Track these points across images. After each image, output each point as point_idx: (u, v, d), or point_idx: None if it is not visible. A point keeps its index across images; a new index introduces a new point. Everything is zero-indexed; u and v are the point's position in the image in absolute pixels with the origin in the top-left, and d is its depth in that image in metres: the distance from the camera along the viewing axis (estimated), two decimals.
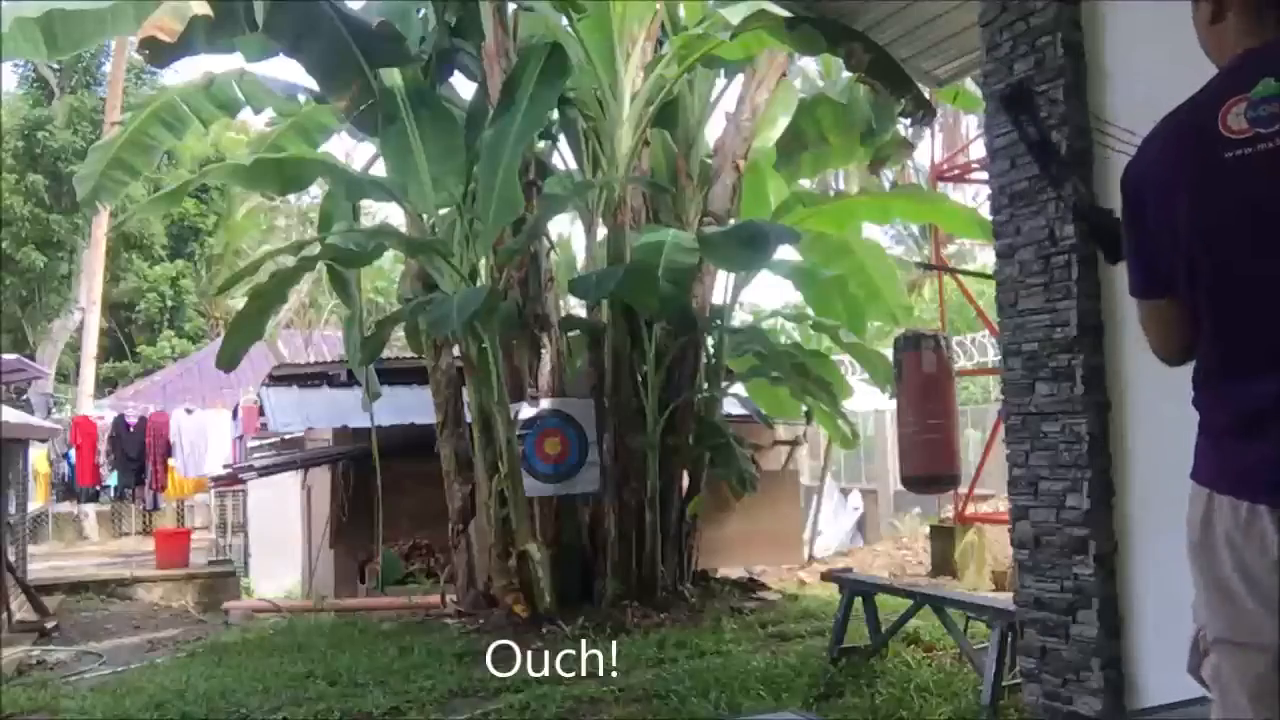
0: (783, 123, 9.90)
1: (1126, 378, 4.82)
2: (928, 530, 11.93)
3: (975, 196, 16.15)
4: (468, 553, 9.82)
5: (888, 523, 15.70)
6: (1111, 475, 4.81)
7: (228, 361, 9.38)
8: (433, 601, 10.18)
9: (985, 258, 21.11)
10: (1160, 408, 4.63)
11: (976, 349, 15.08)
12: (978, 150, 12.79)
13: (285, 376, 13.59)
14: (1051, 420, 5.02)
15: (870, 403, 13.94)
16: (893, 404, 12.37)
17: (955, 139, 16.53)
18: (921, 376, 7.16)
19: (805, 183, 11.60)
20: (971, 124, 17.77)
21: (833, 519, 16.07)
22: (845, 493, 17.28)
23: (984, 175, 11.08)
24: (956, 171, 11.84)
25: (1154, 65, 4.77)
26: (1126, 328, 4.82)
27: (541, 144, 10.40)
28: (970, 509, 11.18)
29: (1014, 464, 5.27)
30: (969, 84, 8.94)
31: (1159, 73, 4.80)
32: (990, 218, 5.50)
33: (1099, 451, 4.83)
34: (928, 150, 13.40)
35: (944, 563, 10.59)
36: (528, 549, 8.84)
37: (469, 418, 9.76)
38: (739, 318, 12.21)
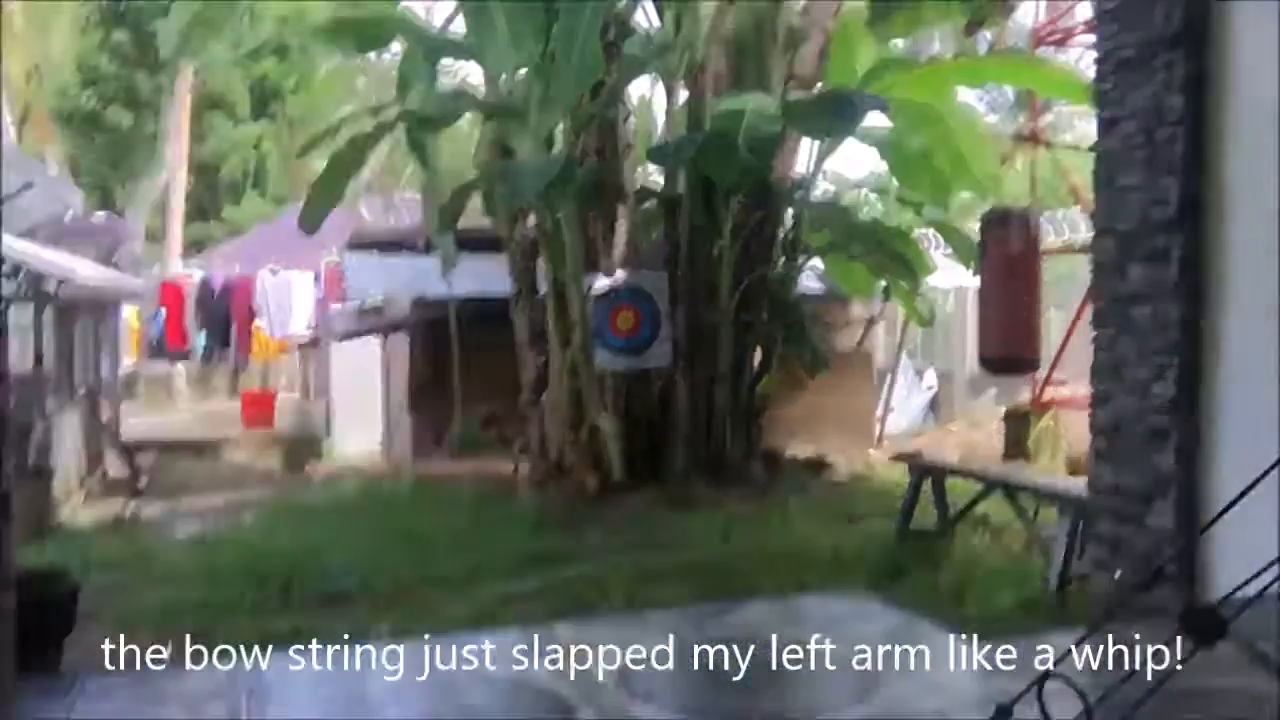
0: None
1: (1225, 263, 4.57)
2: (1002, 413, 11.72)
3: (1079, 61, 15.25)
4: (540, 424, 9.92)
5: (962, 404, 15.48)
6: (1202, 364, 4.62)
7: (310, 224, 9.43)
8: (506, 469, 10.37)
9: (1083, 129, 20.11)
10: (1258, 297, 4.40)
11: (1068, 225, 14.49)
12: (1083, 13, 12.01)
13: (366, 243, 13.70)
14: (1142, 304, 4.81)
15: (952, 279, 13.55)
16: (975, 281, 12.04)
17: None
18: (1007, 255, 6.91)
19: (897, 44, 11.03)
20: None
21: (906, 398, 15.87)
22: (920, 372, 17.01)
23: (1089, 39, 10.48)
24: (1059, 35, 11.13)
25: None
26: (1230, 209, 4.56)
27: (623, 2, 10.02)
28: (1048, 393, 10.90)
29: (1099, 348, 5.10)
30: None
31: None
32: (1094, 85, 5.19)
33: (1190, 339, 4.63)
34: (1029, 12, 12.61)
35: (1017, 447, 10.39)
36: (599, 422, 8.91)
37: (544, 289, 9.75)
38: (820, 188, 11.87)
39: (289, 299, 16.14)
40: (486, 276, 11.57)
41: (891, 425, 13.56)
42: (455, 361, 10.50)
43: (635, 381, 9.46)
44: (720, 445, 9.31)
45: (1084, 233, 14.32)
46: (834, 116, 7.99)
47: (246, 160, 32.12)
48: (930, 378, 16.99)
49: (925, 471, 6.76)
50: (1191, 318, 4.57)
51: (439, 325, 11.33)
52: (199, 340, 17.80)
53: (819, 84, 9.51)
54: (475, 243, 12.14)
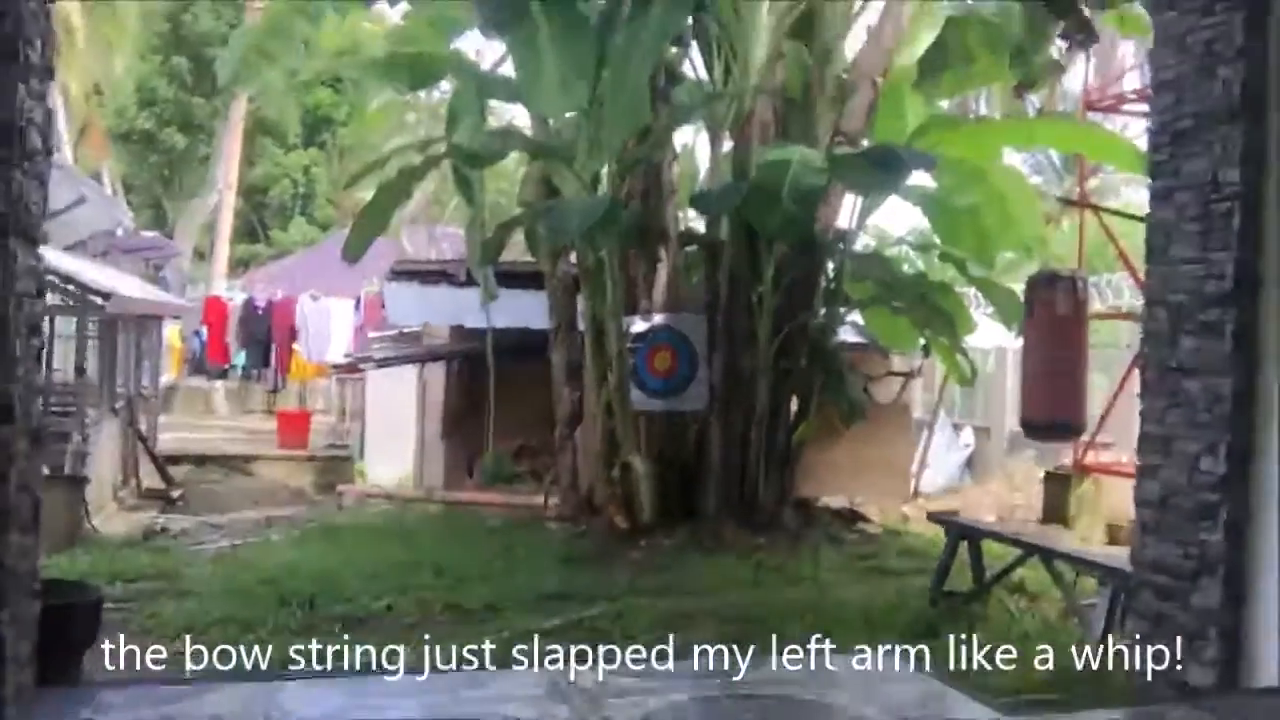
0: (925, 40, 9.40)
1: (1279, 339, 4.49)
2: (1041, 475, 11.54)
3: (1125, 128, 15.13)
4: (573, 459, 9.92)
5: (1000, 463, 15.26)
6: (1254, 440, 4.52)
7: (353, 253, 9.55)
8: (536, 502, 10.36)
9: (1129, 195, 19.95)
10: None
11: (1112, 291, 14.35)
12: (1133, 80, 11.97)
13: (407, 272, 13.81)
14: (1193, 377, 4.73)
15: (992, 339, 13.42)
16: (1016, 342, 11.91)
17: (1109, 64, 15.48)
18: (1053, 318, 6.84)
19: (944, 104, 11.05)
20: (1128, 50, 16.54)
21: (942, 454, 15.67)
22: (958, 428, 16.80)
23: (1139, 107, 10.44)
24: (1109, 102, 11.09)
25: None
26: None
27: (672, 50, 10.11)
28: (1089, 458, 10.73)
29: (1147, 420, 5.00)
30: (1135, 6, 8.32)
31: None
32: (1148, 155, 5.15)
33: (1242, 414, 4.54)
34: (1077, 76, 12.55)
35: (1056, 511, 10.22)
36: (631, 461, 8.89)
37: (582, 326, 9.77)
38: (862, 242, 11.83)
39: (328, 325, 16.33)
40: (526, 311, 11.62)
41: (927, 482, 13.41)
42: (491, 392, 10.53)
43: (670, 422, 9.45)
44: (753, 490, 9.26)
45: (1128, 297, 14.19)
46: (880, 172, 8.02)
47: (296, 185, 32.63)
48: (967, 435, 16.78)
49: (962, 533, 6.66)
50: (1245, 393, 4.48)
51: (476, 356, 11.38)
52: (239, 358, 18.04)
53: (865, 139, 9.53)
54: (516, 277, 12.23)
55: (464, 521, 9.70)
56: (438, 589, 7.00)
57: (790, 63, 9.61)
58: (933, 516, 7.28)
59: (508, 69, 10.22)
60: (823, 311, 9.94)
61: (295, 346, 17.01)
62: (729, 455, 9.16)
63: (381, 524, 9.86)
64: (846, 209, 10.11)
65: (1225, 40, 4.67)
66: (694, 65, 10.26)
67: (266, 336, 17.28)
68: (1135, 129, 13.33)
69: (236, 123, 26.56)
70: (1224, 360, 4.58)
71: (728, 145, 9.54)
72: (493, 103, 12.46)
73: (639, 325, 9.24)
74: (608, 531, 8.90)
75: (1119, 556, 5.49)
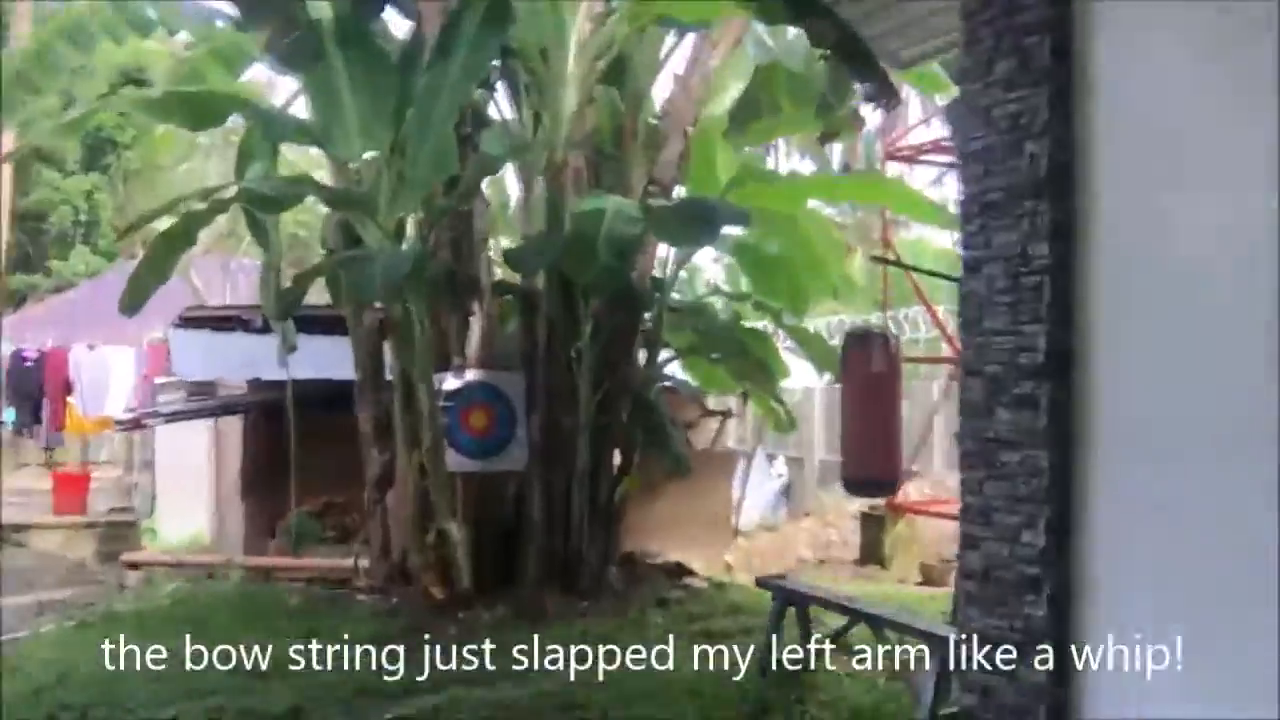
0: (734, 89, 9.46)
1: (1095, 411, 4.55)
2: (854, 510, 11.80)
3: (910, 171, 15.81)
4: (383, 523, 9.35)
5: (812, 492, 15.63)
6: (1072, 513, 4.57)
7: (130, 306, 8.76)
8: (345, 565, 9.73)
9: (920, 229, 20.96)
10: (1129, 446, 4.39)
11: (909, 324, 14.90)
12: (923, 132, 12.53)
13: (197, 319, 12.85)
14: (1011, 449, 4.73)
15: (802, 380, 13.64)
16: (823, 380, 12.17)
17: (903, 115, 16.15)
18: (868, 376, 6.88)
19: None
20: (915, 99, 17.24)
21: (758, 485, 15.92)
22: (771, 458, 17.12)
23: (935, 157, 10.90)
24: (909, 152, 11.52)
25: (1148, 75, 4.45)
26: (1098, 359, 4.55)
27: (479, 92, 9.76)
28: (902, 496, 11.01)
29: (967, 491, 4.99)
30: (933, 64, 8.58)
31: (1152, 82, 4.49)
32: (960, 225, 5.18)
33: (1060, 487, 4.56)
34: (874, 121, 13.03)
35: (872, 551, 10.46)
36: (447, 528, 8.45)
37: (391, 378, 9.26)
38: (679, 284, 11.79)
39: (106, 377, 15.07)
40: (330, 360, 10.93)
41: (745, 517, 13.51)
42: (293, 447, 9.87)
43: (487, 484, 9.04)
44: (577, 551, 8.96)
45: (924, 331, 14.80)
46: (696, 226, 7.95)
47: (77, 212, 30.38)
48: (780, 465, 17.12)
49: (788, 599, 6.57)
50: (1062, 466, 4.51)
51: (275, 408, 10.65)
52: (7, 415, 16.43)
53: (678, 187, 9.46)
54: (318, 322, 11.51)
55: (264, 596, 8.99)
56: (232, 691, 6.37)
57: (602, 109, 9.44)
58: (760, 582, 7.17)
59: (302, 105, 9.65)
60: (643, 362, 9.79)
61: (70, 400, 15.60)
62: (551, 516, 8.84)
63: (169, 605, 9.01)
64: (661, 255, 10.02)
65: (1030, 115, 4.72)
66: (499, 108, 9.93)
67: (37, 391, 15.79)
68: (924, 174, 14.06)
69: (4, 149, 24.43)
70: (1040, 434, 4.60)
71: (540, 186, 9.26)
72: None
73: (452, 382, 8.81)
74: (422, 603, 8.41)
75: (945, 626, 5.50)
